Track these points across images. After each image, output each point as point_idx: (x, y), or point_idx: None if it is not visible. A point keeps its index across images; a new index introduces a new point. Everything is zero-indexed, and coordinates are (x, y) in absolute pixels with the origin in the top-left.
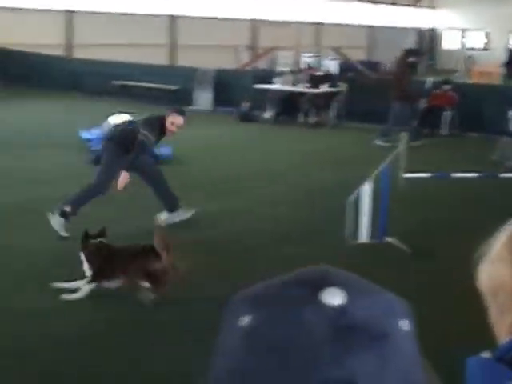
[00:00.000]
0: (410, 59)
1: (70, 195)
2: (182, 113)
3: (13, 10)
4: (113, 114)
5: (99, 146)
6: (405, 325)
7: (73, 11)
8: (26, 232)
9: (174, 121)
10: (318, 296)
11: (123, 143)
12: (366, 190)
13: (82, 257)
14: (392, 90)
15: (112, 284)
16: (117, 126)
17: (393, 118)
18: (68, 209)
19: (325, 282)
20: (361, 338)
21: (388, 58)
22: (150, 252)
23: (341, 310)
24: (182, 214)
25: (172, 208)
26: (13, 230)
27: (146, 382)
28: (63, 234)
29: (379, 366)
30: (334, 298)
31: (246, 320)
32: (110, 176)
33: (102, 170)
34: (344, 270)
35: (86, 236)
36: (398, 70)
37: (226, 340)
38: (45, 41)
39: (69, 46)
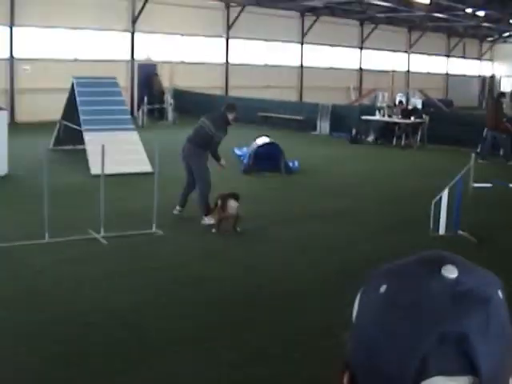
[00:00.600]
0: (502, 99)
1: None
2: (234, 108)
3: (188, 63)
4: (257, 137)
5: (246, 161)
6: (501, 293)
7: (228, 63)
8: None
9: (232, 117)
10: (440, 271)
11: (203, 144)
12: (445, 195)
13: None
14: (488, 122)
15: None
16: (196, 132)
17: (487, 143)
18: (204, 212)
19: (443, 261)
20: (471, 302)
21: (459, 97)
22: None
23: (456, 281)
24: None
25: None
26: None
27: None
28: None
29: (485, 322)
30: (451, 272)
31: (383, 288)
32: (206, 173)
33: (199, 173)
34: (453, 253)
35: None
36: (494, 107)
37: (368, 303)
38: (209, 84)
39: (226, 88)
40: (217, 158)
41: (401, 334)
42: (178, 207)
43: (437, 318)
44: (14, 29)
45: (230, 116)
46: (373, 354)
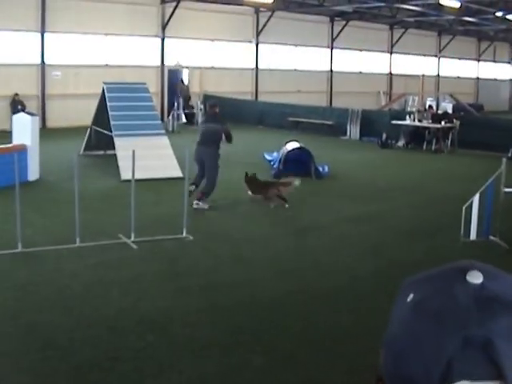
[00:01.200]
0: None
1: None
2: (216, 104)
3: (217, 69)
4: (287, 142)
5: (276, 165)
6: None
7: (257, 69)
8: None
9: (218, 110)
10: (465, 277)
11: (217, 143)
12: (476, 200)
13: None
14: None
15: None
16: (209, 136)
17: None
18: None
19: (469, 268)
20: (496, 307)
21: (489, 101)
22: (276, 185)
23: (481, 287)
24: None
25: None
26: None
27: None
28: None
29: (510, 327)
30: (476, 278)
31: (410, 297)
32: (217, 170)
33: (214, 167)
34: (481, 262)
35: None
36: None
37: (398, 312)
38: (238, 89)
39: (255, 93)
40: (231, 142)
41: (426, 339)
42: (192, 186)
43: (461, 323)
44: (45, 35)
45: (217, 110)
46: (401, 363)
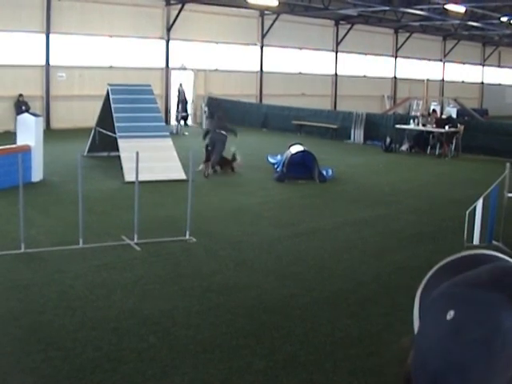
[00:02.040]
0: None
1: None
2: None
3: (222, 71)
4: (291, 145)
5: (280, 168)
6: None
7: (262, 71)
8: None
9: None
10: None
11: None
12: (479, 205)
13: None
14: None
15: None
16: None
17: None
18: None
19: None
20: None
21: (494, 106)
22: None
23: None
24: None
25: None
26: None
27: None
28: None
29: None
30: None
31: (450, 314)
32: (223, 148)
33: (223, 147)
34: None
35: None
36: None
37: (432, 326)
38: (243, 92)
39: (259, 95)
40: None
41: (467, 366)
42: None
43: (508, 359)
44: (50, 36)
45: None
46: (434, 381)
